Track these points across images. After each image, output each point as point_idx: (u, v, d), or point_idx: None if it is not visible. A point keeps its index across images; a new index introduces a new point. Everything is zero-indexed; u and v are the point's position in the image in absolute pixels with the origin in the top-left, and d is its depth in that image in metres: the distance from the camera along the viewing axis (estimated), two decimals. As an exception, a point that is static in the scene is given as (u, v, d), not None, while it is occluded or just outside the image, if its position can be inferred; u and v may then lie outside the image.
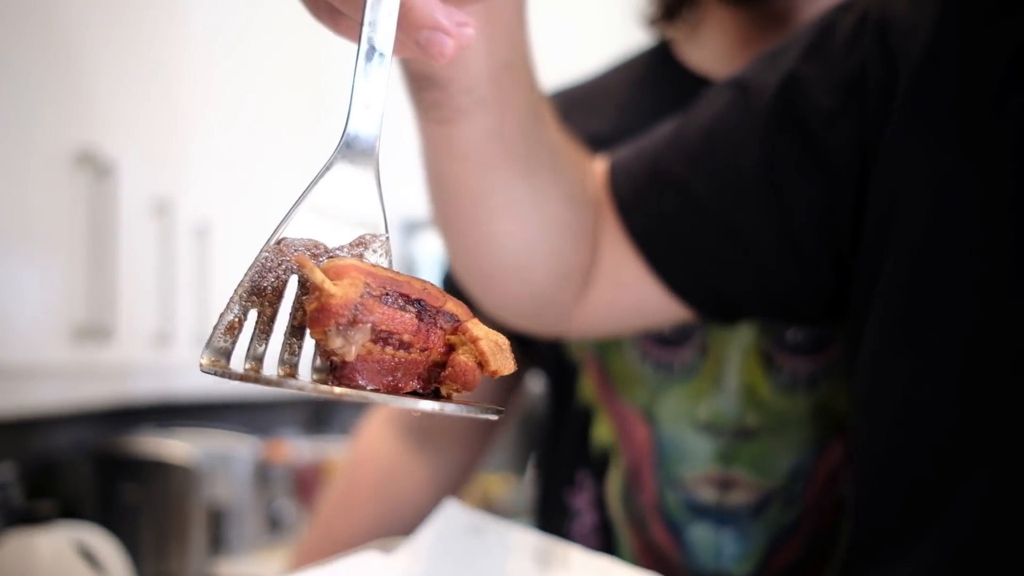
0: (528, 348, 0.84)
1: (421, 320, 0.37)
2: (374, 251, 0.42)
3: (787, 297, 0.58)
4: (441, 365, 0.37)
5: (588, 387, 0.74)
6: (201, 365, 0.38)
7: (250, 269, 0.41)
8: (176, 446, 1.75)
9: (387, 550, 0.55)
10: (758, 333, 0.68)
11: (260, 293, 0.40)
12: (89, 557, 0.77)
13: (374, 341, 0.36)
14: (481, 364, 0.36)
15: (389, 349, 0.37)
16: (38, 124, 1.34)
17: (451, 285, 0.85)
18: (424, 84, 0.49)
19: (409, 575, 0.53)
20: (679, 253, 0.58)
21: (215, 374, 0.38)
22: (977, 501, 0.48)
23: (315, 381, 0.37)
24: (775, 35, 0.71)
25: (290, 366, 0.40)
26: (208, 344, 0.39)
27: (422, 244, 2.53)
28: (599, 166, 0.62)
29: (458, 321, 0.38)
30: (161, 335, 1.64)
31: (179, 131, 1.70)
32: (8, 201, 1.29)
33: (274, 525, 2.05)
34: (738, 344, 0.69)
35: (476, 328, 0.37)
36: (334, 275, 0.37)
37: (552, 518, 0.76)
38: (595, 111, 0.77)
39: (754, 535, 0.68)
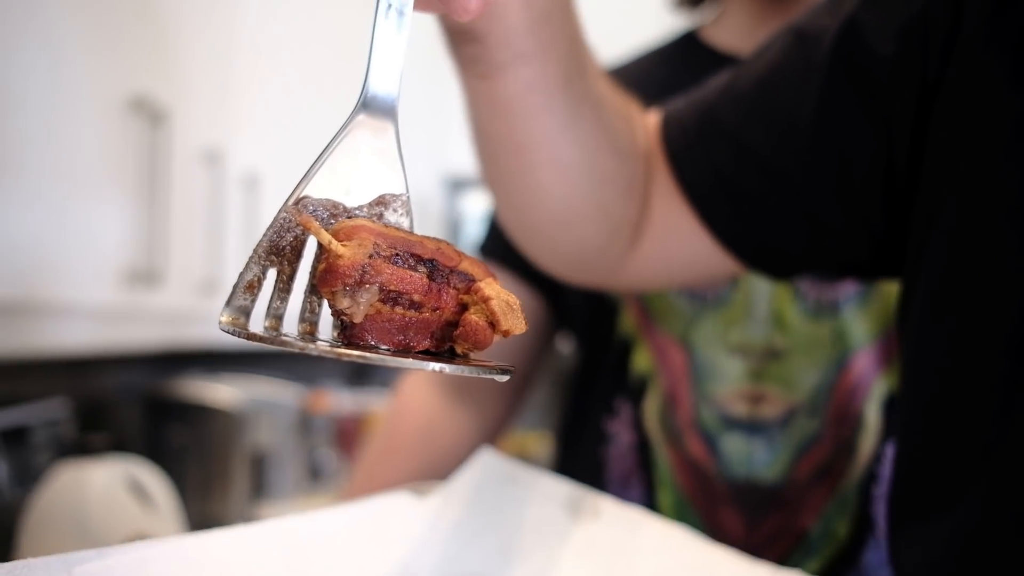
0: (560, 300, 0.86)
1: (432, 280, 0.38)
2: (394, 211, 0.42)
3: (841, 251, 0.57)
4: (455, 324, 0.37)
5: (628, 321, 0.80)
6: (220, 323, 0.38)
7: (269, 228, 0.41)
8: (222, 391, 1.79)
9: (420, 492, 0.56)
10: None
11: (279, 252, 0.41)
12: (139, 490, 0.79)
13: (383, 301, 0.36)
14: (492, 324, 0.36)
15: (399, 309, 0.37)
16: (95, 69, 1.36)
17: (495, 233, 0.87)
18: (462, 39, 0.49)
19: (440, 519, 0.54)
20: (731, 205, 0.57)
21: (234, 333, 0.38)
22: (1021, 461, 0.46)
23: (332, 341, 0.37)
24: (795, 11, 0.73)
25: (310, 324, 0.40)
26: (228, 303, 0.39)
27: (469, 202, 2.53)
28: (652, 118, 0.61)
29: (472, 280, 0.38)
30: (209, 282, 1.67)
31: (232, 83, 1.72)
32: (64, 143, 1.32)
33: (315, 473, 2.10)
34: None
35: (488, 288, 0.37)
36: (344, 236, 0.37)
37: (587, 445, 0.81)
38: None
39: (781, 444, 0.74)
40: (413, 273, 0.37)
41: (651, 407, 0.79)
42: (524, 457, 2.20)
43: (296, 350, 0.36)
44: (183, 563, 0.43)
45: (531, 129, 0.52)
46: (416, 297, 0.37)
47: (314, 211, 0.41)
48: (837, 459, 0.74)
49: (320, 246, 0.37)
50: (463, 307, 0.37)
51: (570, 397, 0.88)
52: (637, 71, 0.84)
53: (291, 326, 0.41)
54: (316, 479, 2.10)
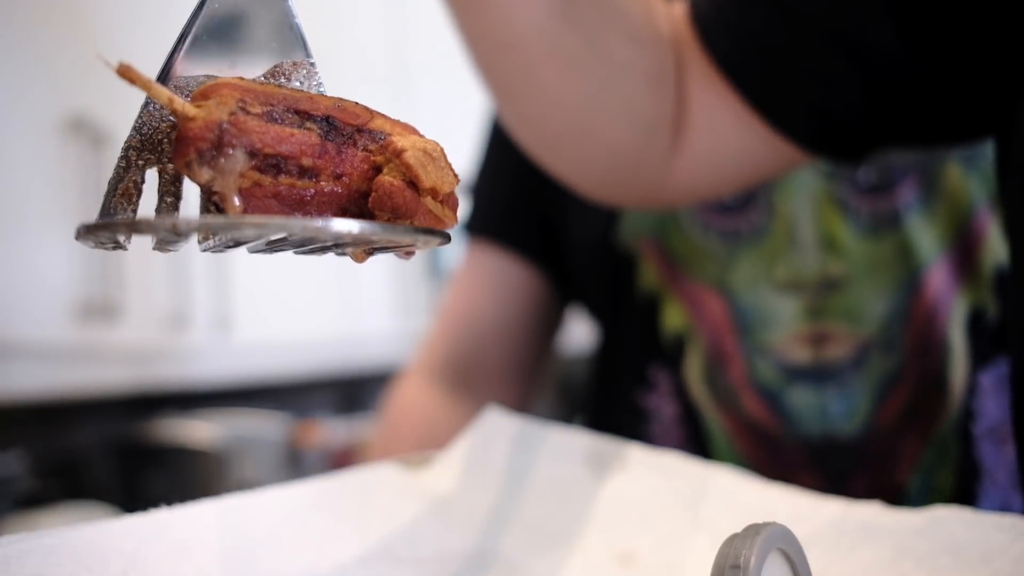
0: (563, 270, 0.77)
1: (329, 140, 0.28)
2: (298, 83, 0.33)
3: (913, 112, 0.49)
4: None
5: (650, 275, 0.70)
6: (76, 232, 0.29)
7: (137, 119, 0.32)
8: (200, 429, 1.68)
9: (412, 463, 0.49)
10: (826, 179, 0.65)
11: (154, 147, 0.32)
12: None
13: (260, 170, 0.27)
14: (412, 182, 0.26)
15: (285, 178, 0.27)
16: (29, 90, 1.28)
17: (479, 208, 0.79)
18: None
19: (436, 489, 0.47)
20: (776, 74, 0.49)
21: (84, 238, 0.29)
22: None
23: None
24: None
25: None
26: (100, 217, 0.31)
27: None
28: (677, 6, 0.54)
29: (387, 138, 0.28)
30: (176, 315, 1.57)
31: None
32: (2, 176, 1.23)
33: (310, 510, 1.99)
34: (807, 195, 0.65)
35: (401, 139, 0.27)
36: (200, 97, 0.28)
37: (623, 426, 0.70)
38: None
39: (857, 389, 0.64)
40: (296, 131, 0.27)
41: (693, 370, 0.68)
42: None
43: (165, 232, 0.26)
44: (121, 540, 0.37)
45: (520, 17, 0.46)
46: (306, 161, 0.27)
47: (184, 87, 0.32)
48: (925, 398, 0.64)
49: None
50: (378, 171, 0.28)
51: (595, 374, 0.78)
52: None
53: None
54: (312, 517, 1.99)
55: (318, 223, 0.24)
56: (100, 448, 1.72)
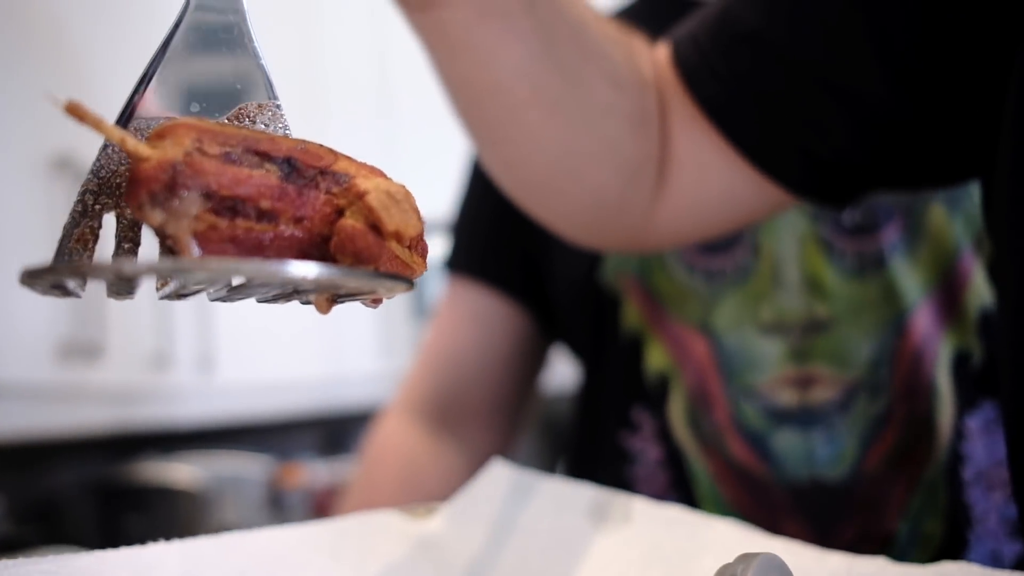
0: (546, 308, 0.76)
1: (290, 182, 0.27)
2: (263, 125, 0.32)
3: (901, 155, 0.48)
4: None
5: (633, 314, 0.70)
6: (21, 276, 0.28)
7: (95, 163, 0.31)
8: (181, 471, 1.66)
9: (414, 512, 0.48)
10: (811, 220, 0.65)
11: (112, 191, 0.31)
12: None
13: (217, 213, 0.26)
14: (375, 226, 0.25)
15: (243, 221, 0.26)
16: (14, 128, 1.27)
17: (460, 244, 0.79)
18: None
19: (441, 539, 0.46)
20: (763, 117, 0.49)
21: (28, 283, 0.27)
22: None
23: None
24: None
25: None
26: (54, 262, 0.30)
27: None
28: (660, 49, 0.54)
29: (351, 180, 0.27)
30: (158, 355, 1.56)
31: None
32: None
33: (293, 553, 1.95)
34: (792, 236, 0.65)
35: (365, 181, 0.26)
36: (156, 138, 0.27)
37: (606, 467, 0.70)
38: None
39: (844, 432, 0.63)
40: (255, 172, 0.26)
41: (676, 412, 0.68)
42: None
43: (112, 277, 0.25)
44: (119, 571, 0.37)
45: (501, 61, 0.45)
46: (265, 204, 0.26)
47: (143, 128, 0.31)
48: (913, 441, 0.63)
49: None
50: (340, 214, 0.27)
51: (578, 415, 0.77)
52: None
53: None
54: (295, 560, 1.95)
55: (273, 266, 0.23)
56: (80, 490, 1.69)
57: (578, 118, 0.48)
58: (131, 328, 1.50)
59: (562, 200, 0.53)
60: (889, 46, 0.46)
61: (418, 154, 1.81)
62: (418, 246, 0.29)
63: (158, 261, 0.24)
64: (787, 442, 0.64)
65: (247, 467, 1.83)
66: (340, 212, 0.27)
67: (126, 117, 0.31)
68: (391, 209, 0.25)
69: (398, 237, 0.25)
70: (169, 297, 0.29)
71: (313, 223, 0.27)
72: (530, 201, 0.53)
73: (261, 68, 0.33)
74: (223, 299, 0.28)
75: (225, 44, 0.33)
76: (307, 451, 2.26)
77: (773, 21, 0.48)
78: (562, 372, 0.94)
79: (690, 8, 0.62)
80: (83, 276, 0.24)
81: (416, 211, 0.26)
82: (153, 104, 0.32)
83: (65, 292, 0.27)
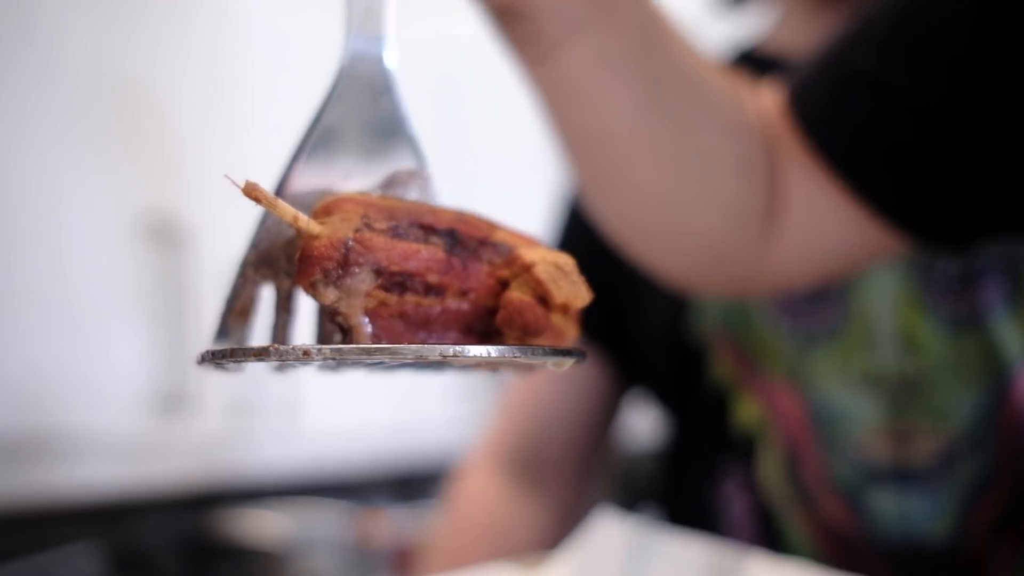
0: (629, 357, 0.75)
1: (454, 255, 0.27)
2: (415, 193, 0.32)
3: (1020, 196, 0.47)
4: (497, 311, 0.27)
5: (723, 367, 0.69)
6: (199, 358, 0.28)
7: (254, 235, 0.32)
8: (267, 524, 1.68)
9: (527, 566, 0.49)
10: (903, 276, 0.64)
11: (271, 262, 0.31)
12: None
13: (386, 289, 0.26)
14: (543, 298, 0.26)
15: (411, 296, 0.26)
16: (111, 186, 1.33)
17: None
18: (510, 20, 0.43)
19: None
20: (883, 161, 0.48)
21: (208, 363, 0.28)
22: None
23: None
24: (848, 3, 0.66)
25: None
26: (216, 336, 0.31)
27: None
28: (768, 94, 0.54)
29: (512, 251, 0.28)
30: (244, 403, 1.59)
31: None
32: (75, 265, 1.27)
33: (376, 605, 1.95)
34: (885, 292, 0.64)
35: (530, 252, 0.26)
36: (323, 213, 0.28)
37: (691, 521, 0.68)
38: None
39: (944, 491, 0.61)
40: (422, 246, 0.27)
41: (769, 467, 0.66)
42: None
43: (296, 359, 0.25)
44: None
45: (611, 111, 0.46)
46: (432, 278, 0.27)
47: (300, 202, 0.32)
48: (1020, 506, 0.60)
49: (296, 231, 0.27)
50: (504, 285, 0.27)
51: (663, 465, 0.76)
52: None
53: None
54: (377, 611, 1.95)
55: (457, 349, 0.23)
56: (171, 542, 1.72)
57: (687, 166, 0.49)
58: (218, 377, 1.53)
59: (669, 246, 0.53)
60: (996, 71, 0.45)
61: (493, 192, 1.83)
62: (574, 313, 0.29)
63: (347, 345, 0.25)
64: (882, 501, 0.62)
65: (330, 517, 1.84)
66: (504, 283, 0.27)
67: (281, 190, 0.32)
68: (560, 282, 0.25)
69: (565, 309, 0.26)
70: (327, 368, 0.30)
71: (478, 295, 0.27)
72: (636, 247, 0.54)
73: (410, 135, 0.33)
74: (383, 370, 0.29)
75: (375, 111, 0.33)
76: (384, 499, 2.26)
77: (885, 60, 0.48)
78: (638, 424, 0.93)
79: (773, 68, 0.62)
80: (267, 359, 0.25)
81: (583, 281, 0.26)
82: (305, 174, 0.32)
83: (238, 368, 0.27)
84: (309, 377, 1.98)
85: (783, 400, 0.66)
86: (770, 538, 0.65)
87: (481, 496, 0.77)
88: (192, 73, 1.53)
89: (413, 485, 2.36)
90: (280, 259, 0.31)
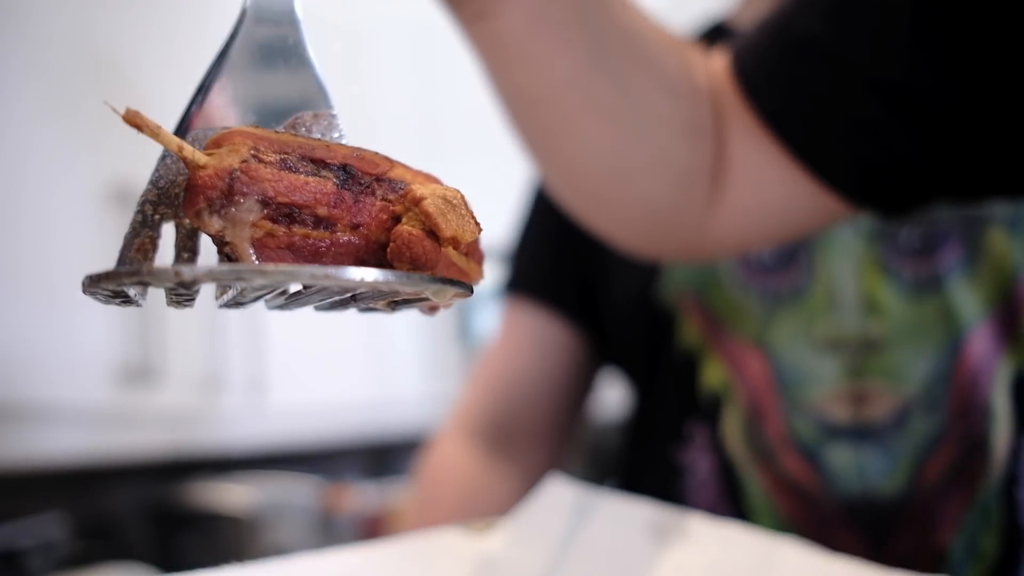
0: (600, 329, 0.76)
1: (346, 189, 0.27)
2: (319, 134, 0.32)
3: (961, 162, 0.47)
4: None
5: (691, 331, 0.70)
6: (82, 287, 0.28)
7: (153, 173, 0.31)
8: (234, 493, 1.67)
9: (475, 529, 0.49)
10: (868, 242, 0.65)
11: (171, 201, 0.31)
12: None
13: (274, 220, 0.25)
14: (432, 232, 0.25)
15: (300, 228, 0.26)
16: (75, 156, 1.31)
17: (519, 267, 0.80)
18: None
19: (502, 556, 0.47)
20: (821, 125, 0.48)
21: (90, 291, 0.27)
22: None
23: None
24: None
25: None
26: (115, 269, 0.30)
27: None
28: (717, 58, 0.54)
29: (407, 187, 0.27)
30: (212, 377, 1.58)
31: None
32: (42, 235, 1.25)
33: (343, 577, 1.95)
34: (848, 256, 0.65)
35: (420, 188, 0.26)
36: (213, 145, 0.27)
37: (657, 481, 0.70)
38: None
39: (897, 449, 0.64)
40: (311, 179, 0.26)
41: (731, 425, 0.68)
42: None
43: (168, 280, 0.24)
44: None
45: (553, 69, 0.46)
46: (322, 211, 0.26)
47: (201, 138, 0.31)
48: (968, 460, 0.63)
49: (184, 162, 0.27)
50: (397, 220, 0.26)
51: (629, 431, 0.77)
52: None
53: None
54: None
55: (328, 270, 0.23)
56: (137, 511, 1.72)
57: (630, 127, 0.48)
58: (187, 351, 1.52)
59: (615, 209, 0.52)
60: (939, 39, 0.45)
61: (467, 180, 1.82)
62: (475, 253, 0.29)
63: (217, 265, 0.24)
64: (840, 457, 0.64)
65: (297, 489, 1.84)
66: (397, 219, 0.26)
67: (183, 127, 0.31)
68: (448, 215, 0.25)
69: (455, 243, 0.25)
70: (228, 305, 0.29)
71: (370, 230, 0.26)
72: (584, 210, 0.53)
73: (316, 78, 0.33)
74: (281, 307, 0.28)
75: (280, 55, 0.33)
76: (354, 474, 2.26)
77: (830, 26, 0.48)
78: (611, 398, 0.93)
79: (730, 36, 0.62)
80: (144, 281, 0.24)
81: (473, 216, 0.25)
82: (210, 115, 0.32)
83: (126, 300, 0.27)
84: (277, 352, 1.97)
85: (748, 361, 0.68)
86: (732, 495, 0.67)
87: (453, 465, 0.77)
88: (161, 42, 1.51)
89: (383, 460, 2.36)
90: (180, 197, 0.30)
